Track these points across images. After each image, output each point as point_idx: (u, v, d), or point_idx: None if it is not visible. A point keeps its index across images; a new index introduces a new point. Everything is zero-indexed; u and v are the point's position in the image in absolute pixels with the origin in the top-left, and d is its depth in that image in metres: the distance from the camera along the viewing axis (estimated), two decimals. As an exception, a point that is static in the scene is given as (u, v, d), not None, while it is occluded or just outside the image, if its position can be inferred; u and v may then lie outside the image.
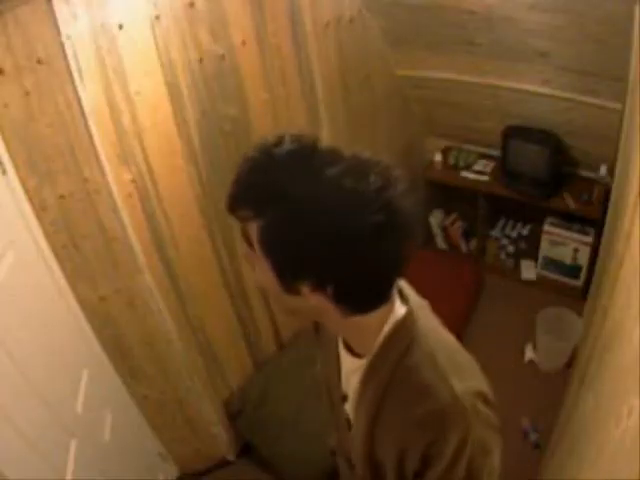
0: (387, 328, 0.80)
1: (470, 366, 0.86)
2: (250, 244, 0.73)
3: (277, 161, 0.69)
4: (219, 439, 2.27)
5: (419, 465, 0.81)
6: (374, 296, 0.75)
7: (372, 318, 0.78)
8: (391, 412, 0.81)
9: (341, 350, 0.90)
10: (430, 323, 0.87)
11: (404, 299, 0.84)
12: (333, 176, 0.67)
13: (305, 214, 0.66)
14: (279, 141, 0.70)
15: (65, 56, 1.35)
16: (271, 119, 2.11)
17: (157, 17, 1.57)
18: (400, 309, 0.81)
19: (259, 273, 0.75)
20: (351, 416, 0.93)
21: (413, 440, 0.79)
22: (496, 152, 2.91)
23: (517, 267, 3.11)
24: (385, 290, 0.75)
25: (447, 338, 0.88)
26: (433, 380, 0.78)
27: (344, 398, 0.93)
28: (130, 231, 1.65)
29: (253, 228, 0.70)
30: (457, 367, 0.81)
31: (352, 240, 0.66)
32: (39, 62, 1.33)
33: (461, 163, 3.03)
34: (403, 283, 0.87)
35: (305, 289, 0.71)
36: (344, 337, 0.87)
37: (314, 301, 0.72)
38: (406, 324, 0.81)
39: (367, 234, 0.66)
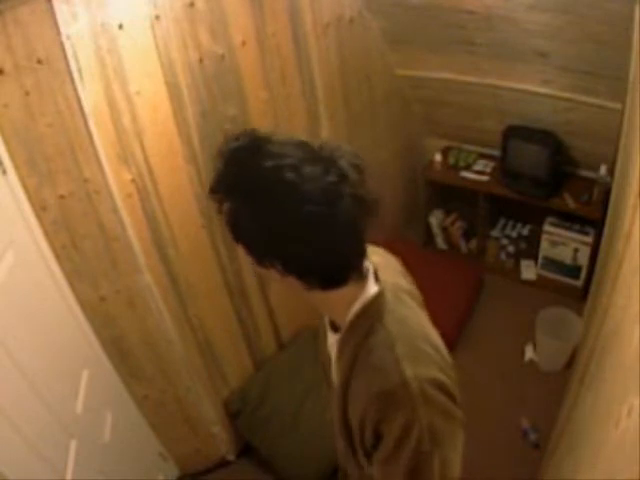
0: (357, 306, 0.85)
1: (432, 355, 0.87)
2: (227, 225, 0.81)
3: (229, 156, 0.77)
4: (219, 439, 2.27)
5: (373, 438, 0.86)
6: (333, 275, 0.81)
7: (342, 295, 0.84)
8: (356, 384, 0.88)
9: (327, 325, 0.97)
10: (402, 308, 0.90)
11: (379, 281, 0.88)
12: (272, 168, 0.72)
13: (251, 204, 0.73)
14: (236, 137, 0.78)
15: (65, 56, 1.35)
16: (271, 119, 2.11)
17: (157, 17, 1.57)
18: (372, 289, 0.86)
19: (241, 250, 0.82)
20: (334, 381, 0.99)
21: (368, 414, 0.84)
22: (496, 152, 2.91)
23: (517, 267, 3.11)
24: (343, 270, 0.81)
25: (416, 325, 0.90)
26: (386, 362, 0.82)
27: (329, 361, 1.01)
28: (130, 231, 1.65)
29: (225, 209, 0.78)
30: (415, 354, 0.85)
31: (292, 227, 0.72)
32: (39, 62, 1.33)
33: (461, 163, 3.03)
34: (383, 263, 0.93)
35: (275, 269, 0.78)
36: (324, 313, 0.94)
37: (287, 282, 0.79)
38: (373, 305, 0.85)
39: (303, 222, 0.72)
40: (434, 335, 0.93)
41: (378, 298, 0.86)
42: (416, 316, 0.93)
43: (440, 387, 0.84)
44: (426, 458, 0.83)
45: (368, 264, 0.88)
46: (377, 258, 0.94)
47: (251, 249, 0.79)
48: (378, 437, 0.86)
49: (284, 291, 0.88)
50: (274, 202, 0.72)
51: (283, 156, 0.74)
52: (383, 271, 0.91)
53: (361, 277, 0.85)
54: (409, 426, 0.81)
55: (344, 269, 0.81)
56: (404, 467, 0.84)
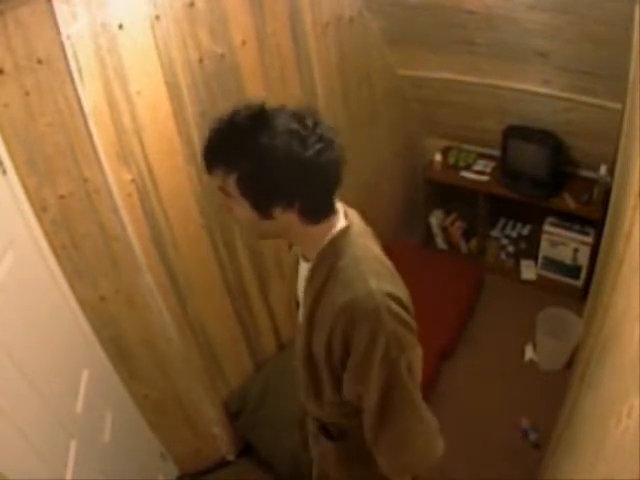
0: (328, 237, 1.02)
1: (390, 276, 1.04)
2: (227, 194, 0.96)
3: (237, 125, 0.92)
4: (219, 439, 2.27)
5: (342, 352, 1.00)
6: (325, 206, 1.01)
7: (321, 227, 1.02)
8: (324, 304, 1.02)
9: (300, 261, 1.12)
10: (365, 240, 1.07)
11: (347, 219, 1.06)
12: (281, 124, 0.90)
13: (267, 157, 0.89)
14: (235, 112, 0.93)
15: (65, 56, 1.35)
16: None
17: (157, 17, 1.57)
18: (340, 224, 1.04)
19: (239, 213, 0.98)
20: (300, 320, 1.13)
21: (336, 327, 0.98)
22: (496, 152, 2.91)
23: (517, 267, 3.11)
24: (331, 201, 1.01)
25: (375, 254, 1.06)
26: (354, 277, 0.98)
27: (297, 304, 1.17)
28: (130, 231, 1.65)
29: (229, 181, 0.93)
30: (376, 272, 1.00)
31: (304, 165, 0.90)
32: (39, 62, 1.33)
33: (461, 163, 3.03)
34: (350, 210, 1.10)
35: (278, 211, 0.94)
36: (301, 247, 1.09)
37: (284, 220, 0.96)
38: (342, 235, 1.02)
39: (313, 158, 0.90)
40: (390, 264, 1.09)
41: (346, 229, 1.03)
42: (375, 248, 1.09)
43: (399, 301, 0.99)
44: (395, 364, 0.96)
45: (339, 206, 1.06)
46: (349, 209, 1.11)
47: (260, 201, 0.94)
48: (348, 351, 0.99)
49: (265, 236, 1.07)
50: (288, 149, 0.89)
51: (282, 115, 0.92)
52: (353, 214, 1.09)
53: (336, 212, 1.04)
54: (376, 332, 0.94)
55: (332, 203, 1.02)
56: (377, 376, 0.97)
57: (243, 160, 0.91)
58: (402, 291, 1.04)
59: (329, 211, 1.02)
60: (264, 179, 0.91)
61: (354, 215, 1.10)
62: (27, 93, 1.34)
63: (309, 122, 0.93)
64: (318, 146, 0.91)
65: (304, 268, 1.09)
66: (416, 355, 1.02)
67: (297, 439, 1.52)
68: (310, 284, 1.05)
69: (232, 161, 0.92)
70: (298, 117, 0.93)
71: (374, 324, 0.94)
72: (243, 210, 0.96)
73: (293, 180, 0.91)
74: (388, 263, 1.08)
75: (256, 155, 0.90)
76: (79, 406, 1.60)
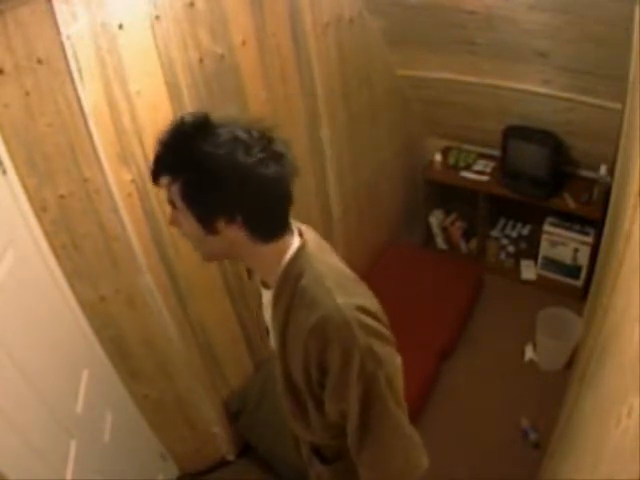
0: (286, 259, 0.98)
1: (356, 288, 1.01)
2: (174, 206, 0.94)
3: (180, 133, 0.88)
4: (219, 439, 2.28)
5: (319, 374, 0.97)
6: (274, 224, 0.96)
7: (275, 248, 0.97)
8: (293, 327, 0.98)
9: (260, 287, 1.09)
10: (324, 255, 1.04)
11: (301, 236, 1.02)
12: (226, 132, 0.88)
13: (208, 165, 0.86)
14: (180, 120, 0.90)
15: (65, 56, 1.35)
16: (271, 118, 2.10)
17: (157, 17, 1.57)
18: (296, 244, 1.00)
19: (185, 227, 0.95)
20: (274, 347, 1.09)
21: (310, 348, 0.94)
22: (496, 152, 2.91)
23: (517, 267, 3.11)
24: (280, 217, 0.97)
25: (337, 267, 1.04)
26: (319, 295, 0.94)
27: (267, 331, 1.14)
28: (130, 231, 1.65)
29: (174, 190, 0.90)
30: (342, 287, 0.96)
31: (246, 175, 0.86)
32: (39, 62, 1.33)
33: (461, 163, 3.04)
34: (304, 226, 1.06)
35: (221, 225, 0.90)
36: (258, 271, 1.06)
37: (231, 235, 0.92)
38: (299, 254, 0.98)
39: (256, 168, 0.87)
40: (354, 275, 1.05)
41: (303, 247, 0.99)
42: (337, 261, 1.07)
43: (369, 313, 0.95)
44: (373, 379, 0.93)
45: (293, 224, 1.03)
46: (303, 226, 1.08)
47: (203, 211, 0.91)
48: (324, 371, 0.95)
49: (214, 256, 1.06)
50: (231, 159, 0.86)
51: (228, 125, 0.89)
52: (307, 231, 1.06)
53: (290, 232, 1.00)
54: (350, 349, 0.91)
55: (282, 221, 0.97)
56: (356, 393, 0.94)
57: (185, 168, 0.88)
58: (372, 302, 1.00)
59: (280, 230, 0.97)
60: (205, 188, 0.88)
61: (308, 231, 1.06)
62: (27, 93, 1.34)
63: (257, 134, 0.90)
64: (262, 156, 0.87)
65: (267, 295, 1.06)
66: (395, 368, 1.00)
67: (298, 458, 1.47)
68: (276, 310, 1.01)
69: (175, 170, 0.89)
70: (247, 128, 0.90)
71: (346, 340, 0.91)
72: (190, 224, 0.93)
73: (234, 190, 0.87)
74: (352, 275, 1.05)
75: (198, 163, 0.87)
76: (79, 406, 1.60)
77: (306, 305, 0.95)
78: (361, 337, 0.91)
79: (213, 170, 0.86)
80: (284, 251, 0.98)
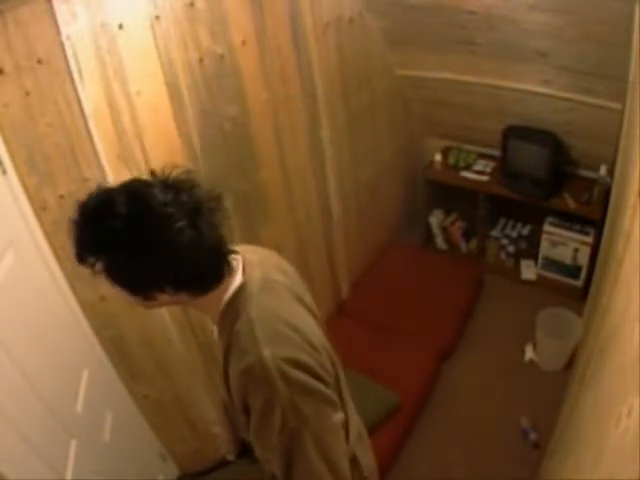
0: (226, 298, 0.98)
1: (291, 337, 0.95)
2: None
3: (85, 216, 0.87)
4: (219, 439, 2.27)
5: (245, 415, 0.95)
6: (205, 279, 0.93)
7: (216, 294, 0.96)
8: (230, 368, 0.97)
9: (211, 323, 1.07)
10: (265, 297, 0.99)
11: (245, 275, 1.00)
12: (132, 218, 0.83)
13: (117, 248, 0.84)
14: (83, 203, 0.89)
15: (65, 56, 1.35)
16: (271, 119, 2.11)
17: (157, 17, 1.57)
18: (237, 282, 0.98)
19: (124, 295, 0.92)
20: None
21: (237, 391, 0.94)
22: (496, 152, 2.91)
23: (517, 267, 3.11)
24: (212, 272, 0.93)
25: (277, 311, 0.98)
26: (247, 344, 0.92)
27: None
28: (130, 231, 1.65)
29: (99, 269, 0.87)
30: (273, 336, 0.93)
31: (169, 251, 0.84)
32: (39, 62, 1.33)
33: (461, 163, 3.04)
34: (256, 259, 1.04)
35: (155, 294, 0.90)
36: (205, 314, 1.04)
37: (167, 297, 0.92)
38: (237, 296, 0.97)
39: (171, 241, 0.83)
40: (301, 321, 1.00)
41: (242, 289, 0.97)
42: (280, 304, 1.01)
43: (299, 366, 0.91)
44: (295, 436, 0.89)
45: (238, 262, 1.00)
46: (253, 256, 1.06)
47: (130, 287, 0.90)
48: (247, 411, 0.94)
49: (157, 307, 1.02)
50: (151, 244, 0.83)
51: (138, 204, 0.85)
52: (254, 267, 1.02)
53: (228, 277, 0.97)
54: (270, 402, 0.88)
55: (221, 270, 0.94)
56: (278, 447, 0.90)
57: (100, 251, 0.86)
58: (307, 350, 0.94)
59: (216, 282, 0.95)
60: (124, 268, 0.87)
61: (255, 265, 1.02)
62: (27, 93, 1.34)
63: (161, 196, 0.85)
64: (178, 225, 0.83)
65: (215, 331, 1.06)
66: (328, 428, 0.93)
67: None
68: (219, 349, 1.02)
69: (91, 251, 0.86)
70: (144, 194, 0.86)
71: (267, 393, 0.88)
72: (126, 295, 0.92)
73: (156, 269, 0.86)
74: (294, 316, 1.00)
75: (107, 247, 0.84)
76: (79, 406, 1.60)
77: (237, 351, 0.94)
78: (284, 391, 0.88)
79: (124, 253, 0.84)
80: (224, 292, 0.98)
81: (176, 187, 0.88)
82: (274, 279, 1.04)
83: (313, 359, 0.94)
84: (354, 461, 1.11)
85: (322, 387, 0.94)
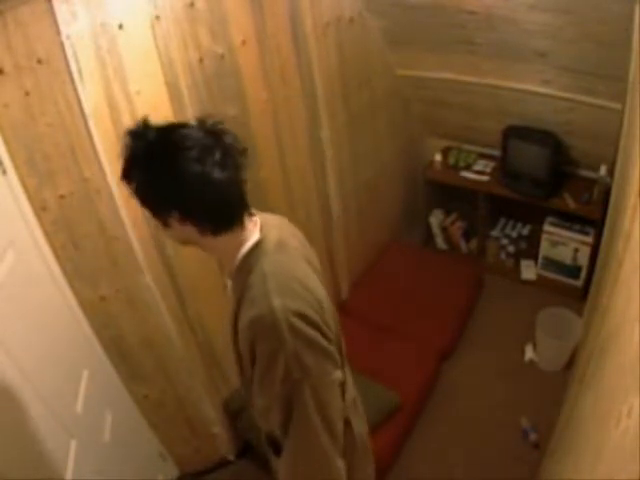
0: (242, 252, 1.03)
1: (300, 293, 1.00)
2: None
3: (127, 142, 0.96)
4: (219, 439, 2.28)
5: (251, 361, 0.99)
6: (217, 220, 0.98)
7: (230, 241, 1.02)
8: (240, 321, 1.01)
9: (227, 280, 1.12)
10: (280, 255, 1.04)
11: (262, 233, 1.05)
12: (161, 136, 0.96)
13: (148, 169, 0.94)
14: (133, 127, 0.97)
15: (65, 56, 1.35)
16: (271, 119, 2.11)
17: (157, 17, 1.57)
18: (254, 239, 1.03)
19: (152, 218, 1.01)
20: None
21: (245, 339, 0.98)
22: (496, 152, 2.91)
23: (517, 267, 3.11)
24: (225, 216, 0.99)
25: (289, 269, 1.03)
26: (259, 295, 0.97)
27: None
28: (130, 231, 1.65)
29: (132, 190, 0.99)
30: (284, 289, 0.97)
31: (185, 175, 0.91)
32: (39, 62, 1.33)
33: (461, 163, 3.04)
34: (272, 221, 1.10)
35: (174, 222, 0.97)
36: (222, 262, 1.10)
37: (180, 228, 0.98)
38: (252, 251, 1.02)
39: (192, 168, 0.91)
40: (310, 281, 1.05)
41: (258, 246, 1.02)
42: (292, 263, 1.06)
43: (305, 319, 0.95)
44: (296, 386, 0.94)
45: (256, 221, 1.06)
46: (272, 221, 1.12)
47: (154, 209, 0.98)
48: (253, 359, 0.98)
49: (183, 242, 1.06)
50: (170, 165, 0.92)
51: (169, 131, 0.97)
52: (271, 228, 1.07)
53: (243, 226, 1.02)
54: (276, 351, 0.93)
55: (229, 215, 0.99)
56: (279, 395, 0.95)
57: (134, 171, 0.96)
58: (317, 310, 1.00)
59: (227, 227, 1.00)
60: (149, 190, 0.96)
61: (272, 227, 1.08)
62: (27, 93, 1.34)
63: (204, 133, 0.95)
64: (192, 154, 0.92)
65: (228, 283, 1.11)
66: (327, 384, 0.97)
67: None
68: (231, 301, 1.07)
69: (128, 168, 0.97)
70: (196, 129, 0.96)
71: (274, 342, 0.93)
72: (150, 216, 1.01)
73: (169, 192, 0.94)
74: (307, 280, 1.04)
75: (141, 167, 0.95)
76: (79, 406, 1.60)
77: (248, 301, 0.99)
78: (290, 342, 0.92)
79: (152, 174, 0.94)
80: (240, 245, 1.03)
81: (211, 131, 0.96)
82: (288, 243, 1.10)
83: (319, 316, 0.99)
84: (347, 424, 1.15)
85: (325, 343, 0.98)
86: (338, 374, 1.01)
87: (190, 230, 0.98)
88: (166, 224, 0.99)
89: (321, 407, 0.96)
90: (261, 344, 0.95)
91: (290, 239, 1.12)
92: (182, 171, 0.92)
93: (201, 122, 0.98)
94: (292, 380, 0.93)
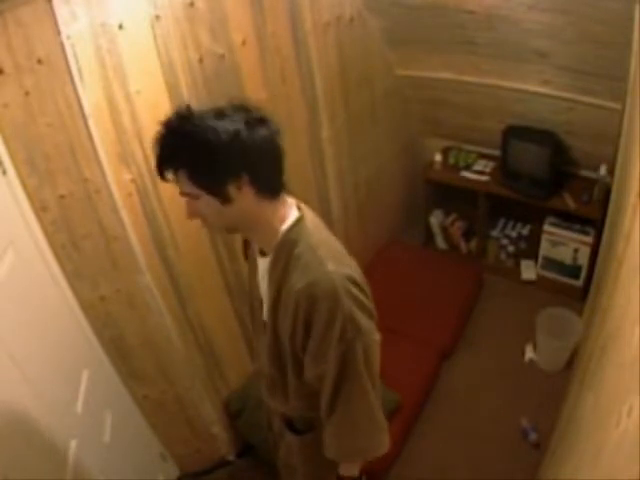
0: (285, 226, 1.08)
1: (347, 261, 1.10)
2: (187, 195, 1.02)
3: (166, 126, 0.99)
4: (219, 439, 2.28)
5: (303, 335, 1.06)
6: (275, 180, 1.05)
7: (277, 212, 1.07)
8: (285, 292, 1.07)
9: (257, 257, 1.18)
10: (317, 230, 1.12)
11: (300, 211, 1.11)
12: (205, 112, 0.98)
13: (199, 141, 0.94)
14: (166, 119, 1.00)
15: (65, 56, 1.35)
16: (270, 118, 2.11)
17: (157, 17, 1.57)
18: (294, 215, 1.10)
19: (204, 209, 1.03)
20: (265, 317, 1.19)
21: (298, 310, 1.03)
22: (496, 152, 2.91)
23: (517, 267, 3.11)
24: (279, 173, 1.05)
25: (329, 241, 1.12)
26: (312, 262, 1.03)
27: (261, 303, 1.22)
28: (130, 231, 1.65)
29: (181, 178, 0.99)
30: (334, 257, 1.06)
31: (238, 139, 0.95)
32: (39, 62, 1.33)
33: (461, 163, 3.04)
34: (303, 205, 1.15)
35: (233, 191, 0.99)
36: (259, 239, 1.14)
37: (242, 198, 1.00)
38: (297, 224, 1.08)
39: (243, 131, 0.95)
40: (345, 251, 1.14)
41: (298, 222, 1.08)
42: (332, 238, 1.15)
43: (355, 283, 1.04)
44: (351, 345, 1.02)
45: (293, 200, 1.13)
46: (302, 204, 1.16)
47: (214, 185, 0.99)
48: (308, 333, 1.04)
49: (231, 225, 1.10)
50: (221, 136, 0.94)
51: (212, 111, 0.99)
52: (306, 210, 1.14)
53: (284, 198, 1.09)
54: (334, 312, 1.00)
55: (281, 178, 1.06)
56: (334, 355, 1.02)
57: (181, 154, 0.97)
58: (360, 275, 1.09)
59: (281, 187, 1.07)
60: (205, 162, 0.96)
61: (306, 208, 1.15)
62: (27, 93, 1.34)
63: (235, 107, 1.00)
64: (246, 121, 0.97)
65: (263, 264, 1.15)
66: (373, 342, 1.07)
67: (270, 441, 1.57)
68: (272, 275, 1.11)
69: (173, 159, 0.98)
70: (223, 107, 1.00)
71: (332, 304, 1.00)
72: (206, 202, 1.01)
73: (232, 154, 0.96)
74: (344, 250, 1.14)
75: (190, 144, 0.95)
76: (79, 406, 1.60)
77: (299, 270, 1.04)
78: (346, 303, 1.00)
79: (205, 144, 0.94)
80: (283, 218, 1.08)
81: (242, 106, 1.02)
82: (319, 220, 1.18)
83: (364, 281, 1.09)
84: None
85: (371, 306, 1.08)
86: (379, 336, 1.09)
87: (248, 199, 1.01)
88: (227, 200, 1.00)
89: (369, 364, 1.06)
90: (320, 306, 1.00)
91: (315, 216, 1.19)
92: (252, 134, 0.96)
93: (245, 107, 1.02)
94: (346, 340, 1.01)
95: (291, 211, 1.10)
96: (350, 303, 1.01)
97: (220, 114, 0.97)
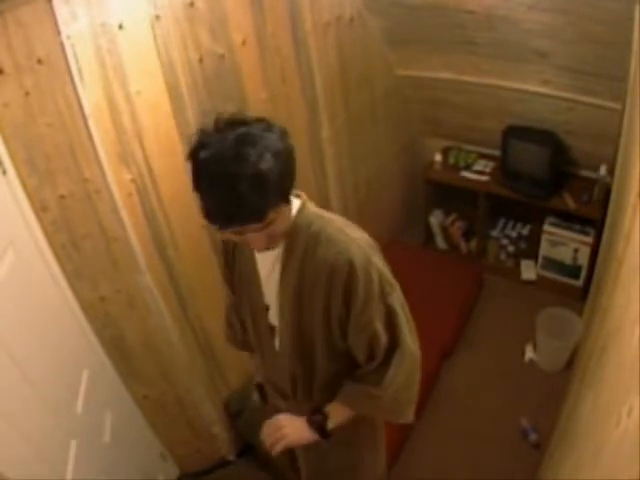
0: (293, 213, 1.11)
1: (359, 231, 1.14)
2: (242, 233, 0.99)
3: (231, 174, 0.90)
4: (219, 439, 2.28)
5: (343, 309, 1.09)
6: (292, 183, 1.03)
7: (289, 208, 1.08)
8: (312, 273, 1.09)
9: (258, 260, 1.18)
10: (322, 210, 1.17)
11: (300, 196, 1.16)
12: (250, 148, 0.92)
13: (256, 185, 0.90)
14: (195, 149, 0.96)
15: (65, 56, 1.35)
16: (271, 119, 2.11)
17: (157, 17, 1.57)
18: (297, 202, 1.13)
19: (258, 241, 1.02)
20: (274, 319, 1.19)
21: (334, 279, 1.06)
22: (496, 152, 2.91)
23: (517, 267, 3.11)
24: (293, 182, 1.04)
25: (338, 216, 1.17)
26: (333, 234, 1.08)
27: (264, 307, 1.21)
28: (130, 231, 1.65)
29: (250, 227, 0.96)
30: (349, 226, 1.13)
31: (288, 152, 0.97)
32: (39, 62, 1.33)
33: (461, 163, 3.04)
34: (300, 191, 1.17)
35: (271, 215, 0.96)
36: (272, 236, 1.07)
37: (281, 214, 1.00)
38: (303, 209, 1.12)
39: (285, 151, 0.96)
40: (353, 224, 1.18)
41: (303, 207, 1.12)
42: (333, 214, 1.18)
43: (374, 248, 1.11)
44: (389, 300, 1.10)
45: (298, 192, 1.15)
46: (297, 190, 1.16)
47: (266, 213, 0.95)
48: (347, 302, 1.07)
49: (270, 240, 1.06)
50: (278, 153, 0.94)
51: (257, 143, 0.94)
52: (302, 193, 1.16)
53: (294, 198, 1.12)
54: (369, 269, 1.05)
55: (294, 184, 1.05)
56: (379, 313, 1.09)
57: (246, 207, 0.92)
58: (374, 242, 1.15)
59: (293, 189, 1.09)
60: (263, 189, 0.92)
61: (302, 193, 1.18)
62: (27, 93, 1.34)
63: (262, 125, 0.99)
64: (280, 139, 0.96)
65: (269, 256, 1.13)
66: (402, 296, 1.16)
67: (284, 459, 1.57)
68: (288, 262, 1.12)
69: (249, 218, 0.94)
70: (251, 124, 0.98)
71: (367, 264, 1.05)
72: (260, 234, 1.00)
73: (277, 185, 0.94)
74: (352, 224, 1.18)
75: (232, 172, 0.90)
76: (79, 406, 1.60)
77: (323, 244, 1.08)
78: (375, 262, 1.07)
79: (268, 182, 0.92)
80: (290, 211, 1.11)
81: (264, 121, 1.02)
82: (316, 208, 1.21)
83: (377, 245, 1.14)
84: None
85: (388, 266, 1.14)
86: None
87: (283, 210, 1.01)
88: (269, 223, 0.97)
89: (406, 313, 1.15)
90: (356, 270, 1.04)
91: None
92: (283, 149, 0.96)
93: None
94: (385, 294, 1.09)
95: (295, 201, 1.13)
96: (380, 263, 1.09)
97: (250, 140, 0.93)
